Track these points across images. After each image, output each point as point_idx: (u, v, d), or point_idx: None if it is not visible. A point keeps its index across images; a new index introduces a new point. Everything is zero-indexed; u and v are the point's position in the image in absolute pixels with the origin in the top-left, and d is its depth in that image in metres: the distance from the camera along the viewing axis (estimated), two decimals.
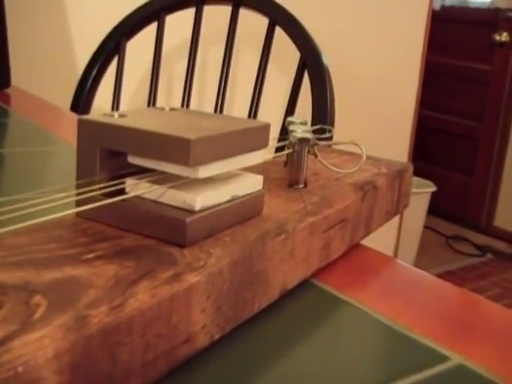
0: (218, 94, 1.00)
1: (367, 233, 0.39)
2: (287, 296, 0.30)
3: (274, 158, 0.39)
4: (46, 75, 1.32)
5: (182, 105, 1.03)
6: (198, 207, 0.26)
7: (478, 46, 2.78)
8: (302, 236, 0.30)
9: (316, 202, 0.34)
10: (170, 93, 1.46)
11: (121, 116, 0.28)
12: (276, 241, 0.28)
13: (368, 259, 0.37)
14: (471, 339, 0.28)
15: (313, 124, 0.88)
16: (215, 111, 1.00)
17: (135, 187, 0.27)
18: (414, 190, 2.26)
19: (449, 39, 2.86)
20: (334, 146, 0.46)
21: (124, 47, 0.96)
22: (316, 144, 0.37)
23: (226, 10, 1.00)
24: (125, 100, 1.38)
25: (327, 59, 0.89)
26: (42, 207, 0.23)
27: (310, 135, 0.36)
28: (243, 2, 0.94)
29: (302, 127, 0.38)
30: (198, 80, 1.48)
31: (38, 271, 0.22)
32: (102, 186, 0.26)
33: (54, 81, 1.32)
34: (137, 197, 0.27)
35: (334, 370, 0.25)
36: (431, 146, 2.88)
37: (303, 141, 0.36)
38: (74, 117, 0.76)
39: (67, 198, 0.23)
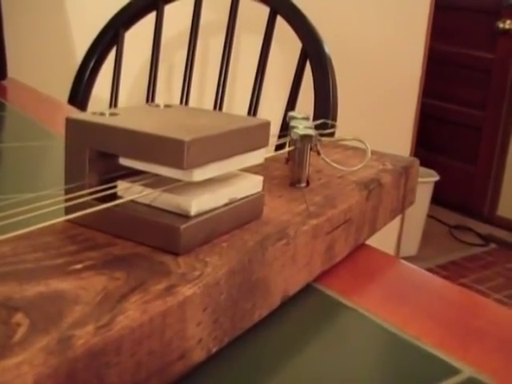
0: (219, 84, 0.99)
1: (372, 232, 0.37)
2: (289, 302, 0.29)
3: (275, 155, 0.37)
4: (43, 65, 1.30)
5: (182, 95, 1.01)
6: (193, 212, 0.24)
7: (481, 33, 2.75)
8: (305, 239, 0.29)
9: (319, 203, 0.32)
10: (170, 83, 1.44)
11: (112, 114, 0.26)
12: (276, 246, 0.26)
13: (373, 260, 0.35)
14: (482, 349, 0.27)
15: (315, 114, 0.87)
16: (215, 102, 0.98)
17: (127, 191, 0.26)
18: (418, 179, 2.24)
19: (452, 27, 2.83)
20: (334, 146, 0.45)
21: (122, 37, 0.94)
22: (319, 140, 0.36)
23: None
24: (124, 91, 1.36)
25: (329, 48, 0.87)
26: (29, 215, 0.22)
27: (312, 132, 0.34)
28: None
29: (303, 123, 0.36)
30: (199, 70, 1.46)
31: (22, 285, 0.20)
32: (91, 190, 0.25)
33: (51, 71, 1.30)
34: (129, 201, 0.25)
35: (337, 383, 0.23)
36: (434, 134, 2.86)
37: (305, 138, 0.34)
38: (72, 110, 0.74)
39: (55, 205, 0.22)
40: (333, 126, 0.41)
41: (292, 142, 0.35)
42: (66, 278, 0.21)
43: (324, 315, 0.28)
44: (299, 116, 0.38)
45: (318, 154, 0.35)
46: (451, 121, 2.80)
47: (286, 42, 0.97)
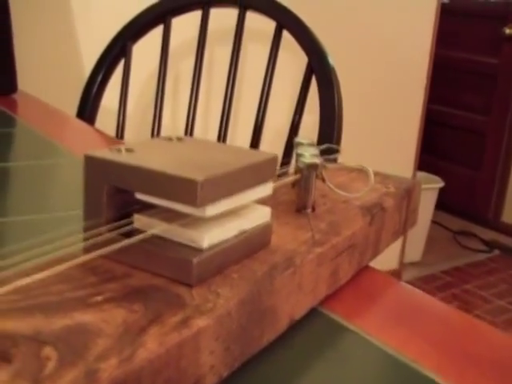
0: (226, 96, 1.00)
1: (375, 255, 0.39)
2: (295, 325, 0.30)
3: (281, 183, 0.39)
4: (52, 78, 1.32)
5: (189, 106, 1.03)
6: (205, 246, 0.26)
7: (486, 39, 2.76)
8: (310, 267, 0.30)
9: (324, 230, 0.34)
10: (176, 93, 1.46)
11: (128, 151, 0.28)
12: (284, 275, 0.28)
13: (375, 283, 0.37)
14: (479, 374, 0.28)
15: (321, 122, 0.88)
16: (222, 113, 1.00)
17: (143, 224, 0.27)
18: (423, 185, 2.25)
19: (457, 32, 2.84)
20: (339, 169, 0.46)
21: (130, 50, 0.95)
22: (324, 167, 0.37)
23: (233, 11, 0.99)
24: (131, 102, 1.38)
25: (334, 55, 0.88)
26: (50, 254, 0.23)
27: (317, 160, 0.36)
28: (250, 5, 0.93)
29: (309, 150, 0.37)
30: (205, 81, 1.47)
31: (48, 318, 0.22)
32: (110, 227, 0.26)
33: (60, 83, 1.32)
34: (143, 232, 0.27)
35: None
36: (439, 140, 2.87)
37: (311, 166, 0.36)
38: (81, 125, 0.76)
39: (75, 244, 0.23)
40: (337, 151, 0.42)
41: (298, 170, 0.36)
42: (88, 310, 0.23)
43: (327, 339, 0.30)
44: (305, 142, 0.39)
45: (323, 181, 0.37)
46: (456, 126, 2.82)
47: (294, 54, 0.99)
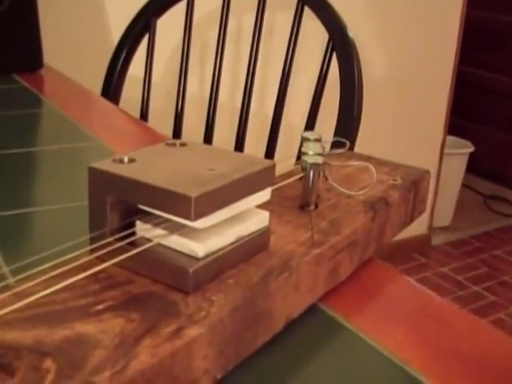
0: (249, 65, 1.00)
1: (379, 248, 0.40)
2: (292, 322, 0.32)
3: (286, 182, 0.40)
4: (80, 51, 1.33)
5: (213, 75, 1.03)
6: (201, 254, 0.27)
7: None
8: (307, 269, 0.31)
9: (324, 229, 0.35)
10: (204, 63, 1.46)
11: (130, 161, 0.29)
12: (279, 279, 0.29)
13: (377, 278, 0.38)
14: (467, 375, 0.29)
15: (341, 98, 0.87)
16: (246, 82, 1.00)
17: (146, 232, 0.29)
18: (451, 150, 2.23)
19: None
20: (347, 159, 0.47)
21: (154, 25, 0.96)
22: (328, 165, 0.38)
23: None
24: (159, 72, 1.39)
25: (354, 33, 0.88)
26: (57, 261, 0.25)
27: (320, 160, 0.37)
28: None
29: (314, 147, 0.38)
30: (232, 49, 1.47)
31: (51, 328, 0.24)
32: (113, 238, 0.28)
33: (87, 57, 1.34)
34: (145, 240, 0.28)
35: None
36: (471, 103, 2.82)
37: (314, 166, 0.36)
38: (106, 105, 0.77)
39: (81, 259, 0.25)
40: (346, 145, 0.43)
41: (303, 168, 0.37)
42: (89, 320, 0.24)
43: (323, 337, 0.31)
44: (312, 137, 0.40)
45: (326, 179, 0.38)
46: (488, 89, 2.76)
47: (314, 32, 0.98)
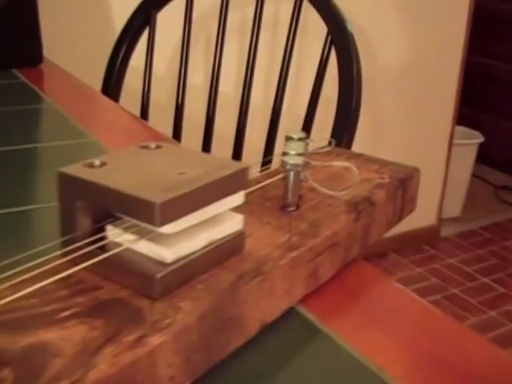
0: (249, 57, 0.99)
1: (363, 248, 0.40)
2: (268, 326, 0.31)
3: (267, 183, 0.39)
4: (80, 45, 1.33)
5: (213, 68, 1.02)
6: (170, 260, 0.27)
7: None
8: (282, 272, 0.31)
9: (303, 231, 0.34)
10: (208, 55, 1.46)
11: (101, 165, 0.29)
12: (251, 284, 0.29)
13: (359, 280, 0.38)
14: (444, 383, 0.29)
15: (340, 92, 0.87)
16: (246, 75, 0.99)
17: (115, 237, 0.28)
18: (461, 141, 2.21)
19: None
20: (335, 157, 0.46)
21: (155, 18, 0.95)
22: (309, 165, 0.38)
23: None
24: (163, 66, 1.38)
25: (352, 26, 0.87)
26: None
27: (300, 161, 0.36)
28: None
29: (297, 147, 0.38)
30: (238, 41, 1.47)
31: (14, 336, 0.24)
32: (82, 243, 0.28)
33: (87, 50, 1.33)
34: (115, 244, 0.28)
35: None
36: (480, 92, 2.79)
37: (295, 166, 0.36)
38: (105, 101, 0.77)
39: (53, 263, 0.25)
40: (329, 144, 0.43)
41: (283, 169, 0.37)
42: (53, 327, 0.24)
43: (298, 341, 0.31)
44: (296, 136, 0.39)
45: (306, 179, 0.37)
46: (499, 78, 2.73)
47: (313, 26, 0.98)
